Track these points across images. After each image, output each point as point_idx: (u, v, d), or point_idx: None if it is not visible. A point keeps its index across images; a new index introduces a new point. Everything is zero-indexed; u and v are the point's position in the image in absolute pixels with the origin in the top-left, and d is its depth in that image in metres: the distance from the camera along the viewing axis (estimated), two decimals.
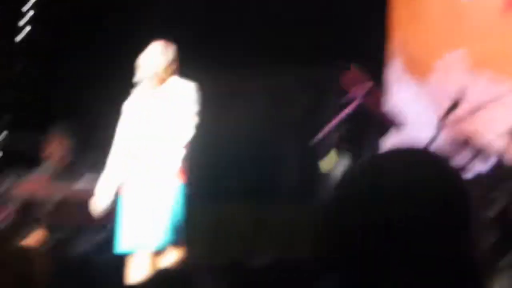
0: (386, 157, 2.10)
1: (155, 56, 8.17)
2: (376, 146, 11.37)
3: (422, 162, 1.98)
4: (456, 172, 2.04)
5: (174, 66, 8.23)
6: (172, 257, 7.97)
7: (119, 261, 8.04)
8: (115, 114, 8.34)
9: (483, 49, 12.49)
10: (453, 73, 12.39)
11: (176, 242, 7.95)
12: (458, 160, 10.31)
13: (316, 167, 8.68)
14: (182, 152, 8.05)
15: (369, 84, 8.82)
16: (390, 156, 2.07)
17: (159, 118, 8.11)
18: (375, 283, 1.81)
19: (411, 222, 1.80)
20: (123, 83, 8.34)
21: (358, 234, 1.83)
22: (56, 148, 9.80)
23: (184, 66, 8.38)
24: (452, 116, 10.01)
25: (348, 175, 2.09)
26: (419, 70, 12.78)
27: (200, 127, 8.07)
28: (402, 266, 1.78)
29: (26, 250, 6.26)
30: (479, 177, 9.66)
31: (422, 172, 1.93)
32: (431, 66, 12.71)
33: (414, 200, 1.85)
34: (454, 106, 10.01)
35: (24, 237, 8.80)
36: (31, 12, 13.64)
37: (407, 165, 1.96)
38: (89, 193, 8.26)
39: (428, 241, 1.79)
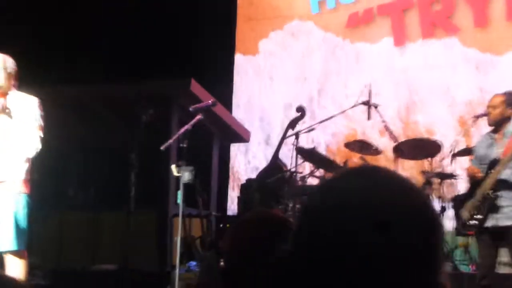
0: (349, 176, 2.02)
1: None
2: (223, 157, 11.97)
3: (385, 182, 1.94)
4: (420, 192, 2.02)
5: (13, 80, 8.10)
6: (16, 264, 7.94)
7: None
8: None
9: None
10: None
11: (18, 248, 7.88)
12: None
13: (161, 176, 9.09)
14: (26, 164, 8.01)
15: (211, 100, 8.93)
16: (353, 175, 2.00)
17: (5, 126, 7.94)
18: None
19: (374, 235, 1.80)
20: None
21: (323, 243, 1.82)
22: None
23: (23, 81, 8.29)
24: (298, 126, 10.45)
25: (316, 194, 1.98)
26: None
27: (43, 140, 7.96)
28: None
29: None
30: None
31: (385, 191, 1.91)
32: None
33: (376, 215, 1.84)
34: (297, 119, 10.59)
35: None
36: None
37: (369, 184, 1.92)
38: None
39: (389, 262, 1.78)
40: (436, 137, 11.23)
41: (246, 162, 12.73)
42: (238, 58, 14.00)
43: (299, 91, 13.24)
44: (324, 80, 13.37)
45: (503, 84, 10.73)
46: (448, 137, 11.25)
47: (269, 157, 11.30)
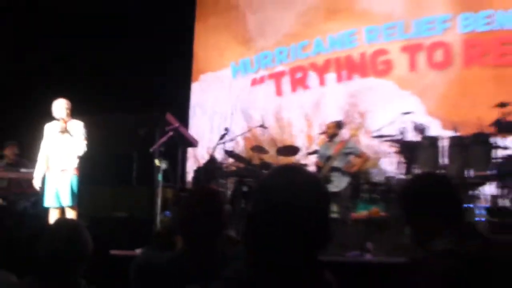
0: (276, 174, 1.87)
1: (60, 106, 8.24)
2: (184, 155, 12.08)
3: (298, 176, 1.83)
4: (319, 181, 1.91)
5: (70, 111, 8.29)
6: (70, 213, 8.15)
7: (45, 212, 8.23)
8: (41, 137, 8.37)
9: None
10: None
11: (73, 204, 8.15)
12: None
13: (150, 165, 8.70)
14: (77, 160, 8.27)
15: (178, 123, 8.90)
16: (279, 173, 1.87)
17: (66, 139, 8.20)
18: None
19: (293, 212, 1.70)
20: (47, 119, 8.35)
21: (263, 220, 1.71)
22: (10, 151, 10.07)
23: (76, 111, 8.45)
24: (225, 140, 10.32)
25: (262, 185, 1.86)
26: None
27: (86, 145, 8.22)
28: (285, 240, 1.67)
29: None
30: None
31: (299, 182, 1.80)
32: None
33: (295, 199, 1.73)
34: (224, 134, 10.39)
35: None
36: None
37: (290, 178, 1.81)
38: (30, 176, 8.38)
39: (302, 224, 1.68)
40: (298, 144, 11.31)
41: (195, 158, 12.73)
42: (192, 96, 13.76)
43: (225, 117, 13.08)
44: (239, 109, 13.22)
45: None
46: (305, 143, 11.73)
47: (208, 156, 11.17)
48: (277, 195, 1.73)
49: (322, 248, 1.74)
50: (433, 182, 2.91)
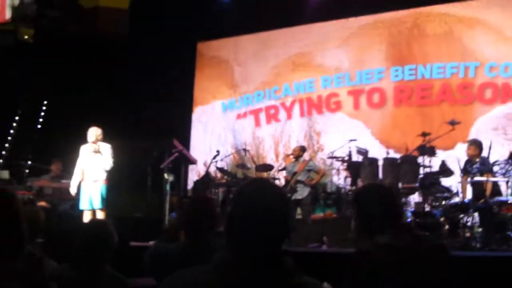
0: (250, 184, 1.80)
1: (94, 132, 8.20)
2: (186, 170, 11.60)
3: (267, 186, 1.78)
4: (281, 190, 1.86)
5: (101, 136, 8.25)
6: (100, 214, 8.08)
7: (81, 212, 8.14)
8: (78, 156, 8.33)
9: None
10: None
11: (102, 207, 8.09)
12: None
13: (160, 178, 8.73)
14: (105, 172, 8.19)
15: (181, 146, 9.02)
16: (252, 184, 1.81)
17: (98, 157, 8.15)
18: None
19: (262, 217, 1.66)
20: (82, 142, 8.32)
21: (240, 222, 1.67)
22: (55, 166, 9.83)
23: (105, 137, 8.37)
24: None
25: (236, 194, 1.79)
26: None
27: (113, 162, 8.19)
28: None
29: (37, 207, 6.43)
30: None
31: (267, 191, 1.74)
32: None
33: (263, 203, 1.70)
34: (216, 155, 10.05)
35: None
36: None
37: (260, 188, 1.76)
38: (68, 185, 8.28)
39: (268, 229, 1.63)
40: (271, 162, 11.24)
41: (195, 173, 12.48)
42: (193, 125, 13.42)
43: (217, 142, 12.86)
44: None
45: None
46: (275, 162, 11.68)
47: (204, 171, 10.91)
48: (249, 200, 1.71)
49: (285, 240, 1.71)
50: (377, 190, 2.89)
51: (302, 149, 9.66)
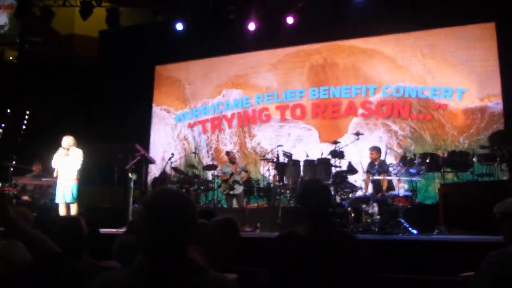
0: (156, 196, 1.57)
1: (66, 140, 7.90)
2: (146, 169, 11.50)
3: (172, 198, 1.56)
4: (188, 198, 1.58)
5: (72, 142, 7.93)
6: (73, 206, 7.78)
7: (57, 205, 7.83)
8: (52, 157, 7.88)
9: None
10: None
11: (74, 201, 7.76)
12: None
13: (124, 176, 8.44)
14: (76, 171, 7.88)
15: (143, 150, 8.63)
16: (158, 195, 1.58)
17: (69, 159, 7.85)
18: None
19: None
20: (58, 147, 7.93)
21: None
22: (36, 167, 9.44)
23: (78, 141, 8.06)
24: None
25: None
26: None
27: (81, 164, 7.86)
28: None
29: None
30: None
31: (173, 202, 1.54)
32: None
33: (171, 209, 1.52)
34: (171, 157, 9.98)
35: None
36: None
37: (164, 199, 1.55)
38: (47, 182, 8.04)
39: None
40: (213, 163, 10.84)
41: (154, 171, 12.25)
42: (152, 132, 13.07)
43: (172, 146, 12.54)
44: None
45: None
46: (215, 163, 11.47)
47: (161, 170, 10.80)
48: (156, 210, 1.51)
49: (191, 243, 1.57)
50: (307, 187, 2.70)
51: (233, 156, 9.84)
